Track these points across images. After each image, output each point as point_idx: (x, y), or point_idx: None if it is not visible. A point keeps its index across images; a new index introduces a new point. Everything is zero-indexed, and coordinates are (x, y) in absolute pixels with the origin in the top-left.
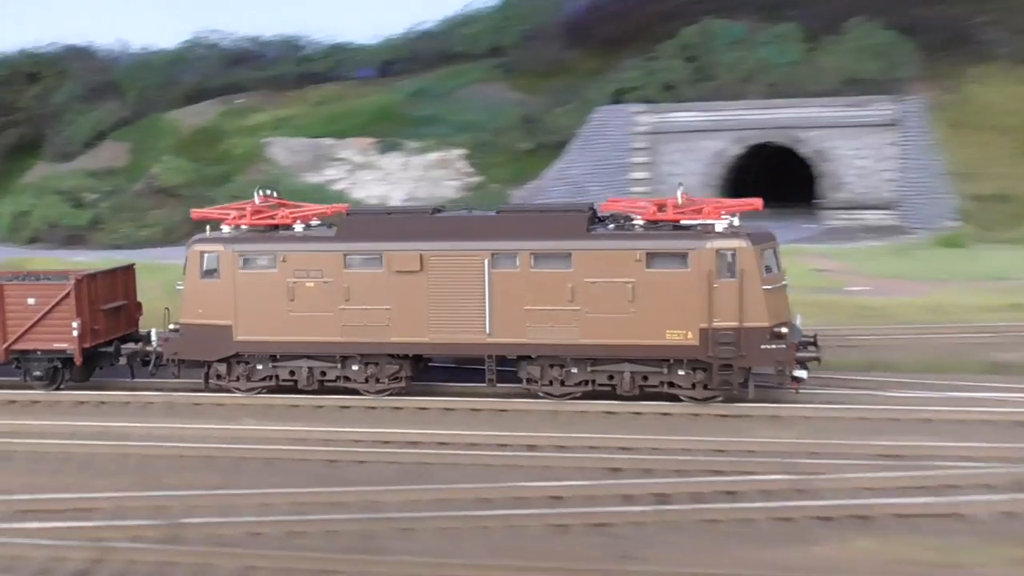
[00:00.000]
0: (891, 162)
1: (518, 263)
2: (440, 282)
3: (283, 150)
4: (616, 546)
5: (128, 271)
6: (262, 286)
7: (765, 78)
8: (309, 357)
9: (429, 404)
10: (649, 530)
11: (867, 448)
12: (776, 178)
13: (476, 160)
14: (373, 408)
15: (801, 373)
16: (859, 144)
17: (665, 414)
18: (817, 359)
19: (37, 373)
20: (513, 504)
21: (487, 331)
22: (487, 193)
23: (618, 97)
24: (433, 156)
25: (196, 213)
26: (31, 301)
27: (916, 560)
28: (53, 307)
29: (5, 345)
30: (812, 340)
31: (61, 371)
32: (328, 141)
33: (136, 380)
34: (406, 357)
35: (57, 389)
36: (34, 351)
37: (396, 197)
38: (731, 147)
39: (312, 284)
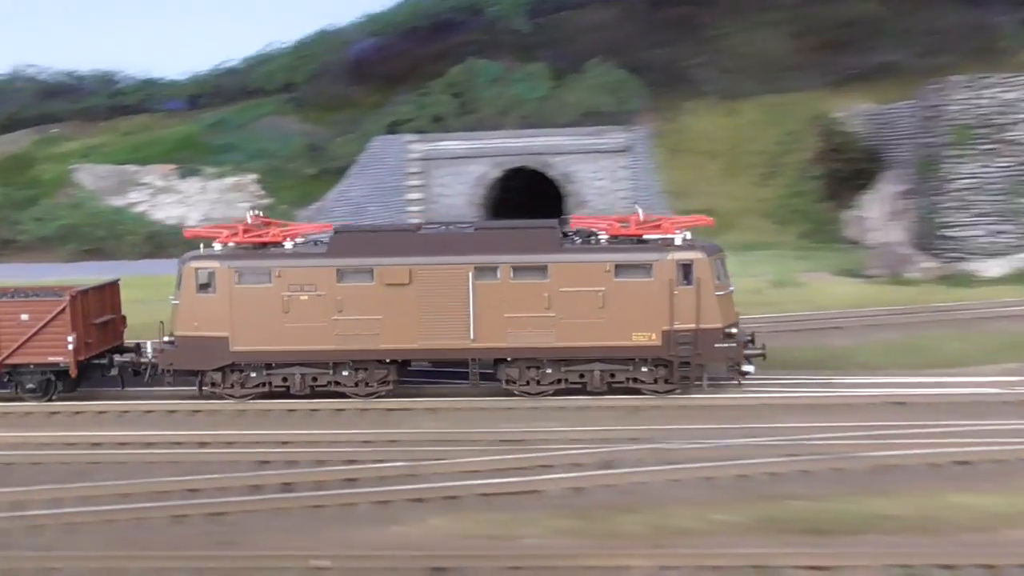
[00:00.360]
0: (624, 182)
1: (499, 275)
2: (427, 293)
3: (90, 175)
4: (223, 533)
5: (114, 286)
6: (257, 299)
7: (519, 111)
8: (302, 364)
9: (108, 408)
10: (260, 517)
11: (495, 435)
12: (533, 196)
13: (267, 184)
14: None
15: (748, 368)
16: (597, 167)
17: (339, 410)
18: (763, 355)
19: (30, 386)
20: (148, 498)
21: (471, 337)
22: (276, 213)
23: (394, 128)
24: (229, 180)
25: (189, 232)
26: (24, 317)
27: (479, 533)
28: (48, 322)
29: None
30: (751, 339)
31: (54, 383)
32: (132, 167)
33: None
34: (394, 362)
35: (49, 400)
36: (27, 365)
37: (193, 218)
38: (492, 171)
39: (307, 297)
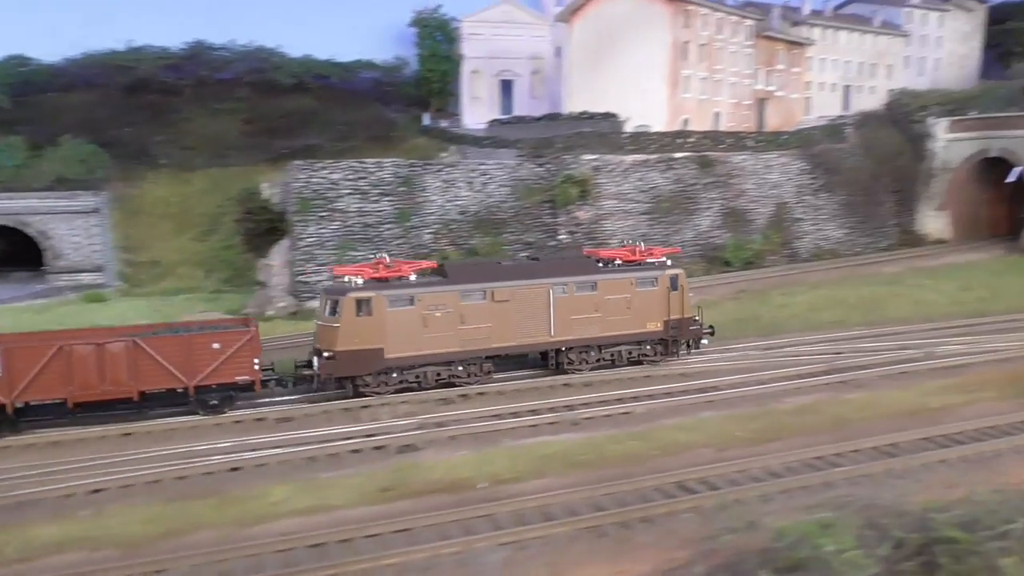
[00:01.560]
0: (95, 238)
1: (567, 291)
2: (523, 306)
3: None
4: None
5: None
6: (404, 318)
7: None
8: (434, 364)
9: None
10: None
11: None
12: (16, 250)
13: None
14: None
15: (704, 341)
16: (72, 225)
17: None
18: (712, 333)
19: (213, 402)
20: None
21: (551, 334)
22: None
23: None
24: None
25: (337, 269)
26: (216, 346)
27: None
28: (238, 348)
29: (194, 383)
30: (701, 323)
31: (233, 398)
32: None
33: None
34: (496, 357)
35: (221, 413)
36: (212, 385)
37: None
38: None
39: (440, 314)
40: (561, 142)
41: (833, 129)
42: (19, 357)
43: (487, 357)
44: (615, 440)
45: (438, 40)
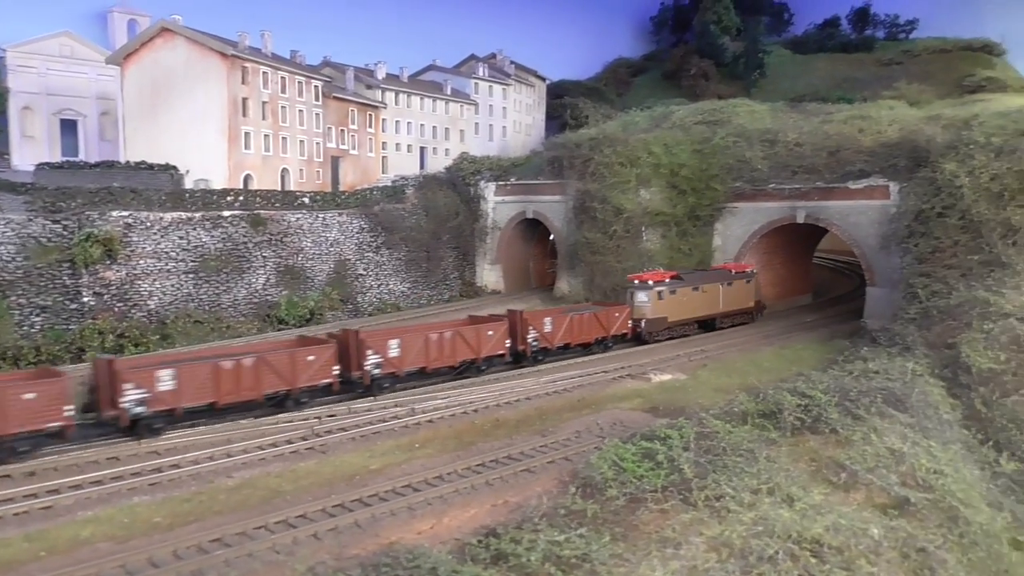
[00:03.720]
0: None
1: (725, 286)
2: (712, 293)
3: None
4: None
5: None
6: (676, 300)
7: None
8: (684, 325)
9: None
10: None
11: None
12: None
13: None
14: None
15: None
16: None
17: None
18: (764, 307)
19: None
20: None
21: (721, 308)
22: None
23: None
24: None
25: (631, 276)
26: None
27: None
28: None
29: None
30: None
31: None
32: None
33: None
34: (703, 320)
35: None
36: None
37: None
38: None
39: (686, 297)
40: (83, 197)
41: (394, 190)
42: None
43: (698, 321)
44: None
45: None
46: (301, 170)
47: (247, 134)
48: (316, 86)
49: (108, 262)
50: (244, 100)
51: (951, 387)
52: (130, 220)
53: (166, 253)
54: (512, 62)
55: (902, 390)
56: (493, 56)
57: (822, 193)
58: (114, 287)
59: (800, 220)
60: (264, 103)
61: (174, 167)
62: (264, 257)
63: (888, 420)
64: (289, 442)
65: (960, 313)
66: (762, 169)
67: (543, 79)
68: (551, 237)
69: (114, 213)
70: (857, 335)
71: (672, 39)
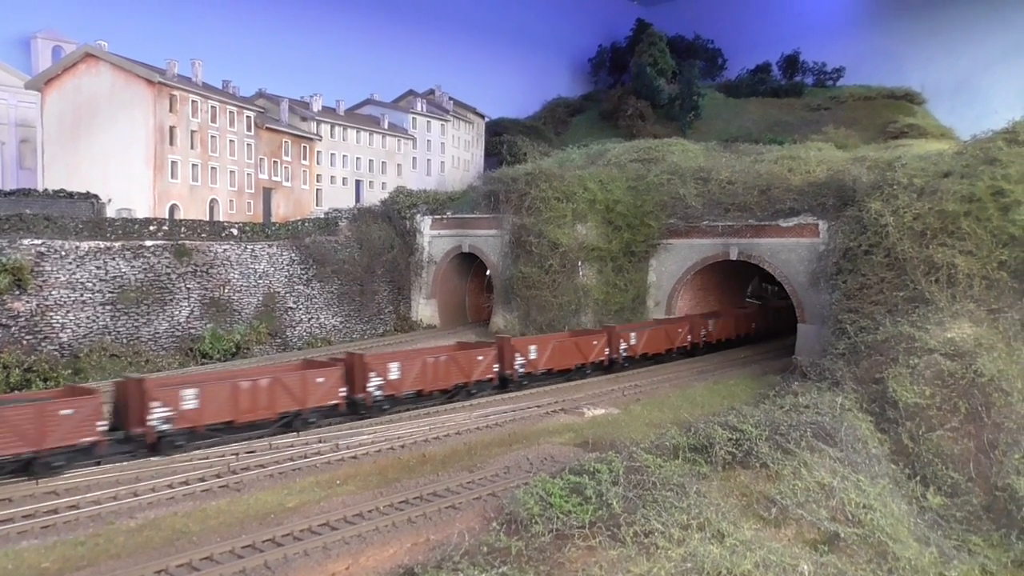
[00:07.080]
0: None
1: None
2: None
3: None
4: None
5: None
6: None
7: None
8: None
9: None
10: None
11: None
12: None
13: None
14: None
15: None
16: None
17: None
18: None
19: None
20: None
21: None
22: None
23: None
24: None
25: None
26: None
27: None
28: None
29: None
30: None
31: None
32: None
33: None
34: None
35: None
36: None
37: None
38: None
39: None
40: None
41: (327, 222)
42: None
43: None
44: None
45: None
46: (231, 201)
47: (174, 163)
48: (248, 116)
49: (17, 292)
50: (171, 128)
51: (879, 421)
52: (43, 249)
53: (81, 283)
54: (451, 98)
55: (831, 424)
56: (432, 92)
57: (754, 230)
58: (23, 319)
59: (733, 257)
60: (193, 132)
61: (95, 195)
62: (188, 289)
63: (818, 454)
64: (202, 479)
65: (887, 348)
66: (696, 206)
67: (482, 116)
68: (487, 272)
69: (25, 241)
70: (789, 371)
71: (610, 80)
